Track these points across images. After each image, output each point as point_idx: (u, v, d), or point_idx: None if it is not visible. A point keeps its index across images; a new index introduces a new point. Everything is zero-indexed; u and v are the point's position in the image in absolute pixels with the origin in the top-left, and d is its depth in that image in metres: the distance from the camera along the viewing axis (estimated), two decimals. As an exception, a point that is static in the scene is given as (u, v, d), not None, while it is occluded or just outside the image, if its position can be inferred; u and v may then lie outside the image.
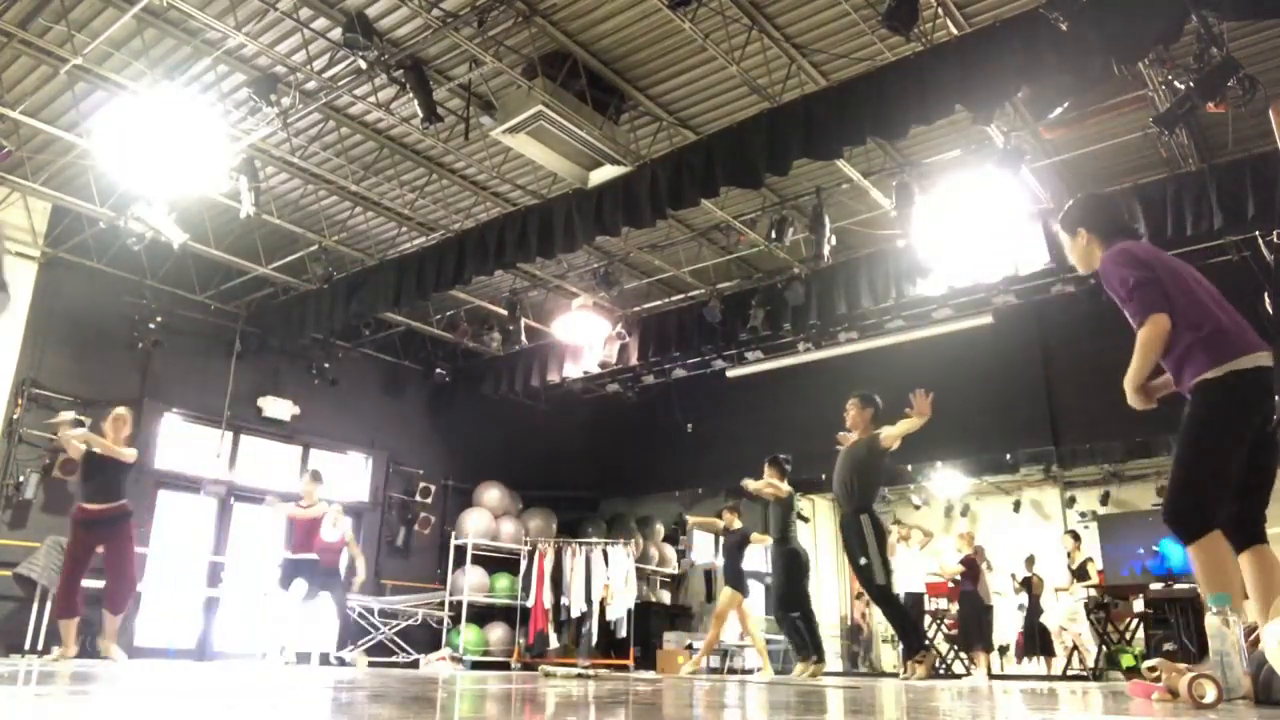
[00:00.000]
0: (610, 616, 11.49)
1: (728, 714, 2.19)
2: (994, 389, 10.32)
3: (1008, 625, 13.17)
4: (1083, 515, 15.25)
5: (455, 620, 11.34)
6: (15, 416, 8.61)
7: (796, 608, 7.99)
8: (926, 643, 7.01)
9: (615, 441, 12.98)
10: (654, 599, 13.15)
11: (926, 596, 11.24)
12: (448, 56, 6.98)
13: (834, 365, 11.21)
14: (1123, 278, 3.14)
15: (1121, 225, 3.47)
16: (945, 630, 11.71)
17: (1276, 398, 2.83)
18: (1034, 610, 12.05)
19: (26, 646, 8.01)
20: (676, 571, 13.82)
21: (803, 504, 17.39)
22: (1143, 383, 3.34)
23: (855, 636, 15.41)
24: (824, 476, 14.50)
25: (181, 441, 10.08)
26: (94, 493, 6.87)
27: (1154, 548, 10.83)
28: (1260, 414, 2.90)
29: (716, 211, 8.66)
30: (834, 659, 16.13)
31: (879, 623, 17.77)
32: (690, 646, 12.04)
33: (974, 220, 7.99)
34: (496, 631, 11.64)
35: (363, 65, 6.59)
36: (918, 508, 17.18)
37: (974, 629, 10.34)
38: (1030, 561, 12.45)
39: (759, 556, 16.66)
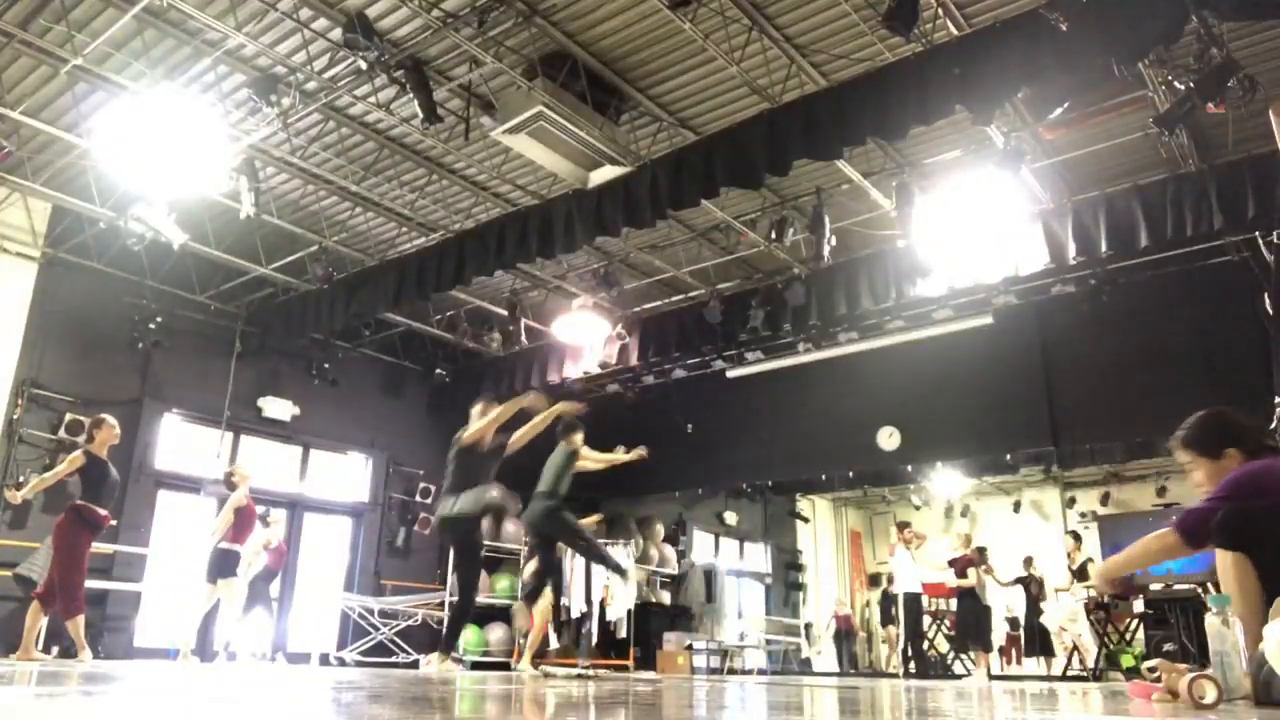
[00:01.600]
0: (610, 617, 11.48)
1: (726, 714, 2.19)
2: (994, 389, 10.32)
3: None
4: (1083, 516, 15.27)
5: (456, 621, 11.33)
6: (15, 417, 8.61)
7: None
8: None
9: (615, 442, 12.96)
10: (654, 599, 13.15)
11: (925, 597, 11.24)
12: (448, 57, 6.98)
13: (834, 365, 11.22)
14: (1226, 491, 2.78)
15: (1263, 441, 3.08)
16: (945, 630, 11.72)
17: (1276, 398, 2.79)
18: (1033, 610, 12.06)
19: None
20: (676, 571, 13.83)
21: (802, 504, 17.44)
22: (1121, 575, 3.07)
23: (852, 638, 15.44)
24: (824, 476, 14.60)
25: (181, 441, 10.08)
26: (108, 500, 6.91)
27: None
28: None
29: (716, 212, 8.66)
30: (832, 660, 16.14)
31: (879, 623, 17.81)
32: (690, 647, 12.04)
33: (974, 220, 7.99)
34: (496, 632, 11.63)
35: (363, 65, 6.59)
36: (918, 508, 17.20)
37: (972, 629, 10.35)
38: (1028, 562, 12.47)
39: (759, 556, 16.73)
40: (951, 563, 10.55)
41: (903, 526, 11.41)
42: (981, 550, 11.01)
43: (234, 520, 8.05)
